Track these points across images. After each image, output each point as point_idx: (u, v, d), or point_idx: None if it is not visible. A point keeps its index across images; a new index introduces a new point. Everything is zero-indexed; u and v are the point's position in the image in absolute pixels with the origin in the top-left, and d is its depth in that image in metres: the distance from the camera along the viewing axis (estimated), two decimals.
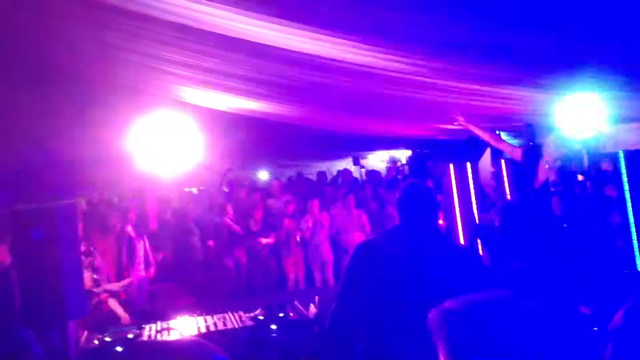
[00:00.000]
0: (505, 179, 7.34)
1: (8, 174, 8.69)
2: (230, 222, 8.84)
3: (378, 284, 2.65)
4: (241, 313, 4.32)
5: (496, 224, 3.06)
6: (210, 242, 8.99)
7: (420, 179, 4.31)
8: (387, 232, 2.84)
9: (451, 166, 8.50)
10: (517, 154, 5.74)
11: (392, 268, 2.65)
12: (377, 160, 16.07)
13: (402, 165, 14.24)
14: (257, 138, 10.46)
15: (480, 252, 5.77)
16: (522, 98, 6.03)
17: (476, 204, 7.53)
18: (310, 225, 8.91)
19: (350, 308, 2.70)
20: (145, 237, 8.17)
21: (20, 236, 3.89)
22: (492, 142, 5.94)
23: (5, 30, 6.10)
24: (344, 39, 4.27)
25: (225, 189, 11.19)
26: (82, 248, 5.75)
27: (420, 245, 2.70)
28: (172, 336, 3.96)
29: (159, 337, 3.99)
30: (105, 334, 4.01)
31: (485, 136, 5.96)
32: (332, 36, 4.23)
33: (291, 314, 4.17)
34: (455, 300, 1.32)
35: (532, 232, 3.04)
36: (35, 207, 3.93)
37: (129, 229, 7.96)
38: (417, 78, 5.48)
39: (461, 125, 5.90)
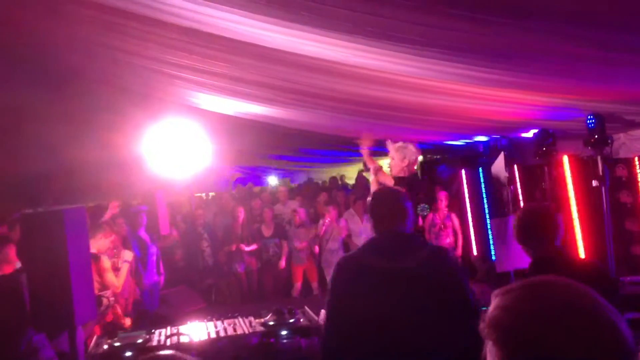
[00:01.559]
0: (519, 184, 7.29)
1: (20, 179, 8.72)
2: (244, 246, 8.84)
3: (359, 298, 2.67)
4: (251, 318, 4.28)
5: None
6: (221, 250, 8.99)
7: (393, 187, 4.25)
8: (365, 245, 2.85)
9: (463, 172, 8.45)
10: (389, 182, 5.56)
11: (370, 280, 2.68)
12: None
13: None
14: (267, 143, 10.45)
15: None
16: (536, 104, 5.98)
17: (489, 209, 7.48)
18: (326, 230, 8.88)
19: (338, 323, 2.72)
20: (157, 243, 8.19)
21: (29, 239, 3.87)
22: (373, 173, 5.71)
23: (17, 35, 6.12)
24: (354, 42, 4.23)
25: (235, 194, 11.19)
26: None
27: (395, 254, 2.71)
28: (181, 340, 3.94)
29: (168, 342, 3.95)
30: (115, 339, 3.98)
31: (370, 164, 5.75)
32: (342, 39, 4.20)
33: (302, 320, 4.12)
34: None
35: None
36: (44, 211, 3.92)
37: (142, 233, 7.98)
38: (428, 82, 5.44)
39: (362, 147, 5.73)
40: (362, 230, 8.93)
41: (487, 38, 3.99)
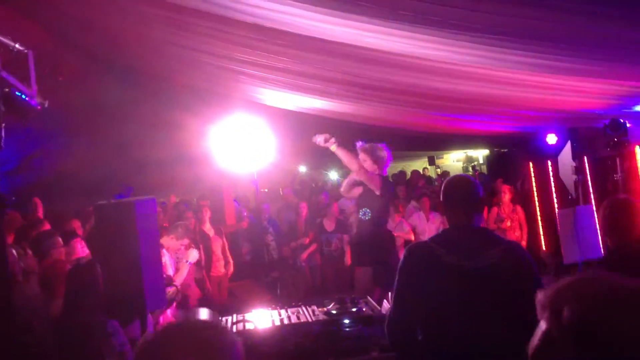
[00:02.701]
0: (589, 175, 7.06)
1: (92, 176, 9.07)
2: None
3: (425, 291, 2.63)
4: (314, 307, 4.33)
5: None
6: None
7: (465, 175, 4.15)
8: (437, 237, 2.78)
9: (530, 164, 8.27)
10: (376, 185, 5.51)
11: (439, 276, 2.62)
12: (453, 160, 15.84)
13: (480, 164, 13.95)
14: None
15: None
16: (606, 92, 5.78)
17: (557, 200, 7.28)
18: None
19: (406, 311, 2.69)
20: (223, 236, 8.37)
21: (102, 229, 4.04)
22: (355, 173, 5.66)
23: (90, 35, 6.39)
24: (415, 32, 4.21)
25: (298, 189, 11.30)
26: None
27: (468, 251, 2.63)
28: (246, 327, 4.03)
29: (234, 329, 4.06)
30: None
31: (352, 165, 5.66)
32: (403, 29, 4.18)
33: (364, 309, 4.15)
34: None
35: None
36: (117, 202, 4.08)
37: (207, 227, 8.18)
38: (492, 72, 5.35)
39: (327, 145, 5.66)
40: (427, 229, 8.76)
41: (552, 24, 3.90)
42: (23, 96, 2.85)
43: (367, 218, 5.56)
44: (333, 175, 14.97)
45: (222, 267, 8.20)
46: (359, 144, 5.76)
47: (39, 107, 3.00)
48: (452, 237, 2.71)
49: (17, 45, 2.82)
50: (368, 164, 5.56)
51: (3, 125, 2.62)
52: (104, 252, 4.11)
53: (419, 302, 2.64)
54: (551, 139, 8.21)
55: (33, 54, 2.99)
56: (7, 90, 2.68)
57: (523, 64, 4.94)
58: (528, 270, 2.58)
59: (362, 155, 5.59)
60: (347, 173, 5.98)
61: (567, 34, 4.13)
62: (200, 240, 7.82)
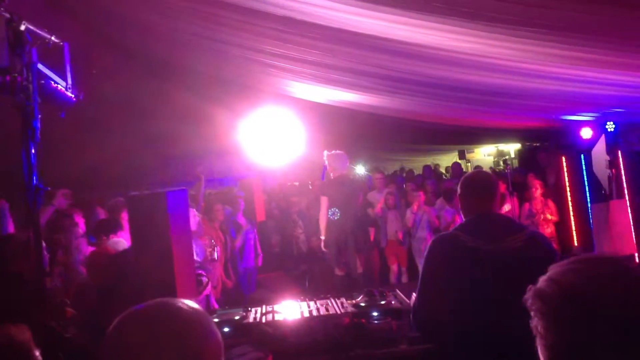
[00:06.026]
0: (623, 170, 6.92)
1: (123, 169, 9.19)
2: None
3: (453, 276, 2.68)
4: (343, 299, 4.34)
5: None
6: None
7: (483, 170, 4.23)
8: (462, 225, 2.83)
9: (563, 158, 8.15)
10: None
11: (467, 260, 2.67)
12: (484, 154, 15.67)
13: (511, 158, 13.78)
14: (360, 131, 10.46)
15: None
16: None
17: (589, 194, 7.16)
18: (415, 217, 8.77)
19: (431, 300, 2.74)
20: (255, 228, 8.45)
21: (134, 220, 4.09)
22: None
23: (121, 28, 6.47)
24: (447, 24, 4.17)
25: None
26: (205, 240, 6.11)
27: (494, 235, 2.69)
28: (275, 317, 4.06)
29: (263, 319, 4.09)
30: (214, 315, 4.16)
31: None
32: (436, 22, 4.15)
33: (392, 302, 4.15)
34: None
35: None
36: (149, 193, 4.12)
37: (240, 218, 8.26)
38: (525, 65, 5.27)
39: None
40: (456, 218, 8.70)
41: (586, 15, 3.83)
42: (59, 87, 2.89)
43: (336, 218, 6.65)
44: (360, 169, 14.93)
45: (252, 259, 8.27)
46: (325, 151, 7.16)
47: (74, 99, 3.05)
48: (477, 225, 2.78)
49: (53, 38, 2.85)
50: (334, 166, 6.96)
51: (39, 117, 2.66)
52: (136, 242, 4.16)
53: (443, 289, 2.69)
54: (585, 132, 8.07)
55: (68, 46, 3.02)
56: (42, 82, 2.72)
57: (555, 56, 4.86)
58: (550, 257, 2.58)
59: (329, 161, 7.05)
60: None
61: (597, 25, 4.05)
62: (233, 231, 7.92)
